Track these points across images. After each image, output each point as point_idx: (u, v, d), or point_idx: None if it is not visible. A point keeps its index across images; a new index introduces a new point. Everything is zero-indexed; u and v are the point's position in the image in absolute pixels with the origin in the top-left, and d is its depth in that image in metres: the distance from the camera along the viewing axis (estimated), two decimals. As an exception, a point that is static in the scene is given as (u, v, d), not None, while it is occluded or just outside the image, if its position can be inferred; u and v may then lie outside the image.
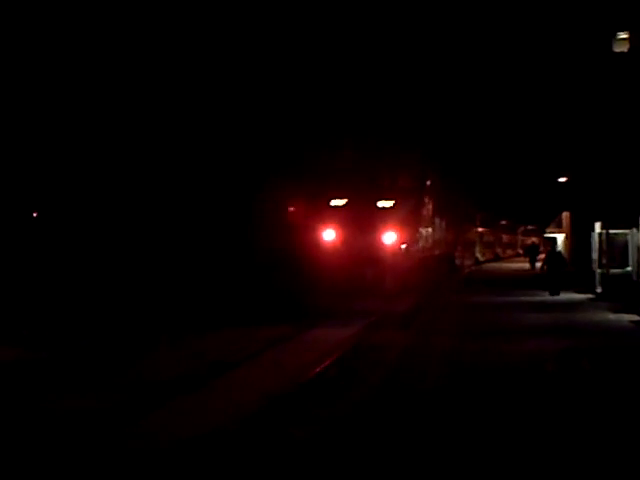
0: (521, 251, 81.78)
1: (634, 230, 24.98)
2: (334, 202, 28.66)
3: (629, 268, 27.51)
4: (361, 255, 27.22)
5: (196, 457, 9.11)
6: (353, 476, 8.47)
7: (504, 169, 70.33)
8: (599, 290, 29.10)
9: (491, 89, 57.19)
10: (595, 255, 30.03)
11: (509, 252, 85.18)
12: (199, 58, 31.17)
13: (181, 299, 22.92)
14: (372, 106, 30.47)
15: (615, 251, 28.72)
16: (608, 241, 28.56)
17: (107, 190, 29.45)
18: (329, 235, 28.13)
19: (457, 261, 44.96)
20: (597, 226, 29.59)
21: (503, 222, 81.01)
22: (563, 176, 50.46)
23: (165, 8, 30.65)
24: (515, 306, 26.76)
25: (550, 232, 63.39)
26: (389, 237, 27.99)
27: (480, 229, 64.10)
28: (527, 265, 51.96)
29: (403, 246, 28.38)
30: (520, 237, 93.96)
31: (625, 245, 28.51)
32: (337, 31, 33.49)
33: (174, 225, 29.01)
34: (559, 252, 34.73)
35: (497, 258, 74.17)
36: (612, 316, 23.17)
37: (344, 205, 28.50)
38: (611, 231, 28.34)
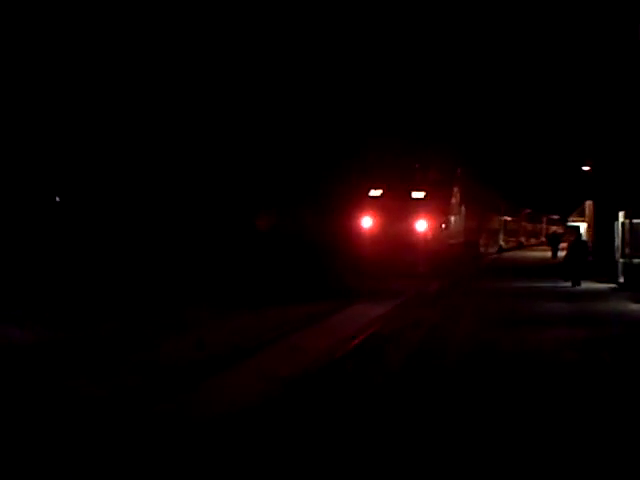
0: (545, 240, 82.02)
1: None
2: (372, 193, 32.01)
3: (653, 258, 27.32)
4: (398, 241, 30.25)
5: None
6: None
7: (528, 158, 70.89)
8: (621, 280, 28.77)
9: (516, 79, 57.76)
10: (618, 244, 29.85)
11: (533, 240, 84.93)
12: (235, 64, 32.06)
13: (237, 279, 24.59)
14: (403, 104, 33.97)
15: (638, 241, 28.51)
16: (632, 230, 28.40)
17: (149, 168, 29.94)
18: (368, 222, 31.62)
19: (481, 248, 46.79)
20: (621, 215, 29.33)
21: (527, 211, 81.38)
22: (586, 165, 50.12)
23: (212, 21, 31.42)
24: (536, 294, 26.54)
25: (573, 221, 63.12)
26: (421, 225, 31.16)
27: (504, 217, 64.43)
28: (550, 254, 51.73)
29: (433, 233, 31.34)
30: (544, 226, 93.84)
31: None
32: (364, 37, 35.03)
33: (225, 215, 30.51)
34: (584, 241, 32.66)
35: (520, 246, 74.35)
36: (635, 306, 22.84)
37: (381, 195, 31.76)
38: (635, 220, 28.04)
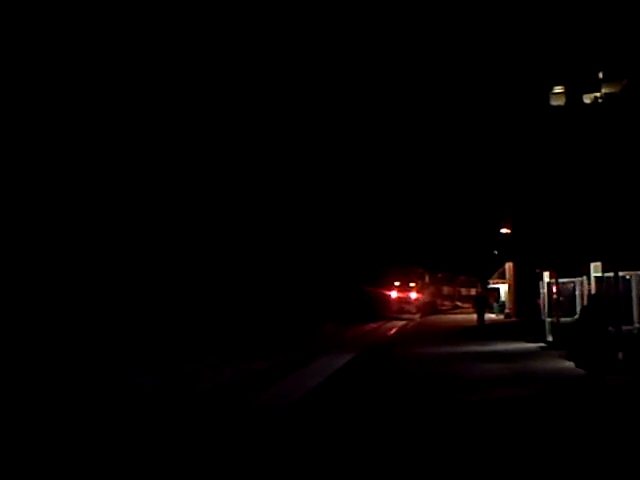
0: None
1: (584, 278, 25.50)
2: (396, 283, 71.75)
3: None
4: (405, 300, 72.06)
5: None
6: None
7: (454, 232, 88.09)
8: (550, 339, 28.74)
9: (433, 146, 66.99)
10: (545, 304, 30.59)
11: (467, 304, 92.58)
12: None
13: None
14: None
15: (564, 300, 29.30)
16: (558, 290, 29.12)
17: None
18: (394, 294, 71.96)
19: (437, 305, 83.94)
20: (546, 275, 30.09)
21: (462, 278, 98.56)
22: (505, 227, 51.37)
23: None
24: (471, 355, 26.84)
25: (494, 283, 64.36)
26: (413, 294, 72.43)
27: (458, 286, 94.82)
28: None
29: (417, 297, 73.18)
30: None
31: (573, 294, 29.11)
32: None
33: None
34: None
35: (455, 308, 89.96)
36: (567, 364, 22.96)
37: (399, 284, 71.93)
38: (560, 280, 28.34)
